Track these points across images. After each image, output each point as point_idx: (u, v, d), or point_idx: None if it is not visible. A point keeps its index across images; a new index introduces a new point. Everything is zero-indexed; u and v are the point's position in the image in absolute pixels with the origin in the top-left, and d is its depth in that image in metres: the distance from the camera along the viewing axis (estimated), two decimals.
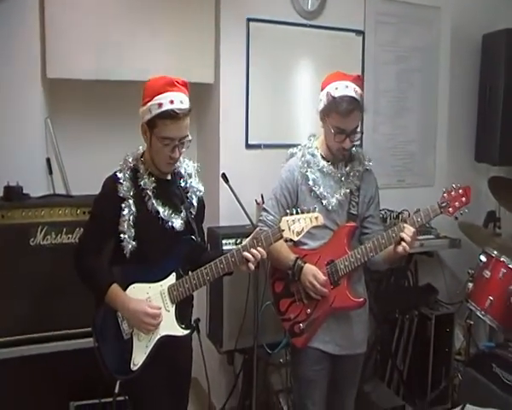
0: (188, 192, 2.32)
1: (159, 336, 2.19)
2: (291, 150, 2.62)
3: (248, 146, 3.49)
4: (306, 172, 2.48)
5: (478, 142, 4.11)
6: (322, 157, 2.52)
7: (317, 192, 2.47)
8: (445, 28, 4.06)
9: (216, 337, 3.16)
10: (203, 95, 3.64)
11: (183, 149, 2.23)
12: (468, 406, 1.59)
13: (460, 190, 2.38)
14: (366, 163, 2.58)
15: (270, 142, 3.50)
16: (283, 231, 2.15)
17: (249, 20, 3.41)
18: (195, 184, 2.34)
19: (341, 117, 2.36)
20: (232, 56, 3.41)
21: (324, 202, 2.46)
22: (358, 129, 2.46)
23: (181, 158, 2.27)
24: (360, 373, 2.71)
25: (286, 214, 2.17)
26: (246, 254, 2.14)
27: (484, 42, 4.02)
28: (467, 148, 4.18)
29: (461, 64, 4.16)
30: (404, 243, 2.30)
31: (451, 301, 3.92)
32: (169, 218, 2.21)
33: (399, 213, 3.67)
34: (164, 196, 2.23)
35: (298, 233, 2.15)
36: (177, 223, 2.22)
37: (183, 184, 2.32)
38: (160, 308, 2.17)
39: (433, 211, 2.37)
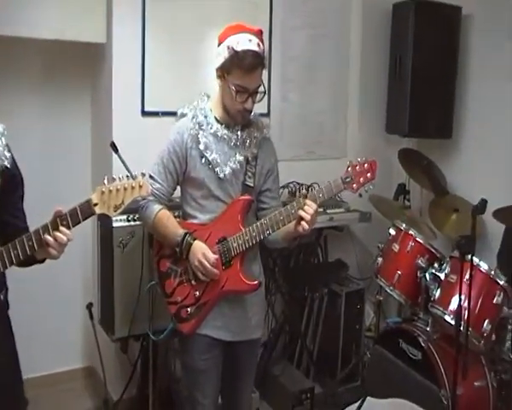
0: None
1: None
2: (181, 110, 2.33)
3: (145, 113, 3.22)
4: (198, 134, 2.21)
5: (388, 113, 3.99)
6: (216, 120, 2.26)
7: (209, 158, 2.20)
8: None
9: (108, 324, 2.87)
10: (95, 56, 3.35)
11: None
12: (368, 398, 1.43)
13: (365, 165, 2.16)
14: (265, 131, 2.34)
15: (169, 109, 3.17)
16: (96, 205, 1.70)
17: None
18: None
19: (244, 73, 2.11)
20: (126, 14, 3.13)
21: (216, 169, 2.21)
22: (261, 88, 2.21)
23: None
24: (257, 359, 2.50)
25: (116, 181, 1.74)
26: (46, 237, 1.69)
27: (394, 11, 3.88)
28: (378, 119, 4.05)
29: (372, 33, 4.04)
30: (303, 222, 2.09)
31: (362, 276, 3.85)
32: None
33: (309, 187, 3.51)
34: None
35: (116, 207, 1.72)
36: None
37: None
38: None
39: (336, 187, 2.15)
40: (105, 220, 2.79)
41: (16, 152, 1.87)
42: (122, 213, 2.74)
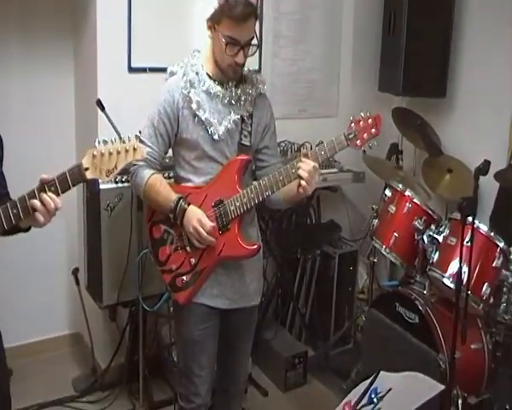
0: None
1: None
2: (171, 68, 2.18)
3: (131, 69, 3.06)
4: (189, 93, 2.07)
5: (382, 71, 3.87)
6: (209, 76, 2.12)
7: (202, 118, 2.07)
8: None
9: (95, 290, 2.78)
10: (78, 8, 3.18)
11: None
12: (381, 373, 1.36)
13: (369, 120, 2.03)
14: (260, 86, 2.20)
15: (157, 65, 3.03)
16: (87, 169, 1.59)
17: None
18: None
19: (235, 23, 1.97)
20: None
21: (210, 129, 2.08)
22: (254, 41, 2.07)
23: None
24: (255, 326, 2.41)
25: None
26: (32, 201, 1.58)
27: None
28: (371, 77, 3.94)
29: None
30: (302, 182, 1.97)
31: (355, 237, 3.79)
32: None
33: (301, 146, 3.41)
34: None
35: (108, 172, 1.61)
36: None
37: None
38: None
39: (339, 143, 2.03)
40: (91, 182, 2.67)
41: None
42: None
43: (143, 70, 3.05)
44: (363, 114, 2.04)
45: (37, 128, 3.25)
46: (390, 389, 1.36)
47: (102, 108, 2.46)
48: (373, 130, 2.03)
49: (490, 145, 3.48)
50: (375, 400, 1.34)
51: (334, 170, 3.47)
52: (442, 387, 1.42)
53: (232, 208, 2.06)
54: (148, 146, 2.10)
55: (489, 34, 3.56)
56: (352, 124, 2.03)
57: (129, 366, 3.02)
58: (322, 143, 2.08)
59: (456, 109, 3.83)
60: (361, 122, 2.03)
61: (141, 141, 2.09)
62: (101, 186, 2.63)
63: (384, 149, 3.86)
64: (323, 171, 3.36)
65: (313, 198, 3.65)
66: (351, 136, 2.02)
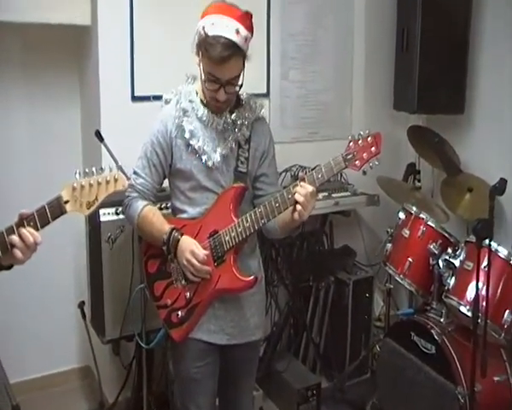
0: None
1: None
2: (165, 96, 2.15)
3: (135, 98, 3.05)
4: (182, 122, 2.02)
5: (396, 89, 3.82)
6: (203, 104, 2.05)
7: (195, 146, 2.01)
8: None
9: (98, 324, 2.73)
10: (80, 40, 3.20)
11: None
12: None
13: (369, 139, 1.93)
14: (258, 110, 2.13)
15: (161, 93, 2.99)
16: (67, 202, 1.57)
17: None
18: None
19: (213, 64, 1.90)
20: None
21: (204, 157, 2.01)
22: (238, 81, 1.98)
23: None
24: (257, 363, 2.32)
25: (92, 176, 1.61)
26: (11, 237, 1.54)
27: None
28: (385, 96, 3.88)
29: (377, 6, 3.86)
30: (298, 207, 1.88)
31: (370, 263, 3.70)
32: None
33: (313, 170, 3.32)
34: None
35: (89, 204, 1.57)
36: None
37: None
38: None
39: (337, 165, 1.93)
40: (92, 215, 2.61)
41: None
42: (109, 205, 2.63)
43: (147, 98, 3.02)
44: (362, 133, 1.94)
45: (45, 159, 3.25)
46: None
47: (101, 139, 2.45)
48: (373, 149, 1.92)
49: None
50: None
51: (347, 193, 3.40)
52: None
53: (227, 239, 1.98)
54: (142, 177, 2.07)
55: (505, 48, 3.47)
56: (351, 143, 1.93)
57: (136, 400, 2.94)
58: (319, 166, 1.99)
59: (475, 125, 3.75)
60: (360, 141, 1.92)
61: (134, 172, 2.09)
62: (102, 218, 2.58)
63: (400, 169, 3.81)
64: (335, 195, 3.32)
65: (326, 224, 3.59)
66: (349, 156, 1.92)
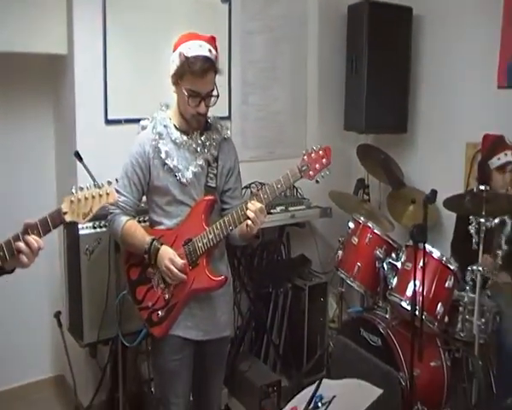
0: None
1: None
2: (142, 123, 2.40)
3: (108, 122, 3.25)
4: (158, 144, 2.29)
5: (346, 111, 4.12)
6: (176, 128, 2.33)
7: (171, 165, 2.28)
8: None
9: (76, 330, 2.90)
10: (57, 68, 3.37)
11: None
12: (324, 380, 1.54)
13: (320, 152, 2.20)
14: (224, 132, 2.42)
15: (132, 116, 3.23)
16: (65, 213, 1.79)
17: None
18: None
19: (195, 78, 2.19)
20: (87, 25, 3.15)
21: (178, 174, 2.28)
22: (214, 92, 2.29)
23: None
24: (226, 357, 2.58)
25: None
26: (17, 243, 1.75)
27: (349, 12, 4.00)
28: (336, 117, 4.17)
29: (329, 34, 4.15)
30: (249, 221, 2.17)
31: (325, 270, 3.95)
32: None
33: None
34: None
35: (85, 215, 1.81)
36: None
37: None
38: None
39: (293, 175, 2.21)
40: (71, 228, 2.83)
41: None
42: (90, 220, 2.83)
43: (119, 122, 3.24)
44: (314, 147, 2.23)
45: (20, 180, 3.41)
46: (334, 397, 1.53)
47: (80, 159, 2.62)
48: (324, 160, 2.21)
49: (450, 175, 3.73)
50: (319, 405, 1.50)
51: (303, 207, 3.65)
52: (380, 391, 1.59)
53: (200, 245, 2.25)
54: (124, 195, 2.30)
55: (444, 75, 3.85)
56: (305, 157, 2.21)
57: (111, 403, 3.11)
58: (277, 179, 2.24)
59: (417, 144, 4.11)
60: (312, 154, 2.21)
61: (116, 191, 2.31)
62: (81, 232, 2.77)
63: (351, 184, 4.10)
64: (291, 208, 3.57)
65: (283, 234, 3.82)
66: (304, 168, 2.20)
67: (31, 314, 3.48)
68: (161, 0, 3.35)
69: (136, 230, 2.28)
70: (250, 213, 2.16)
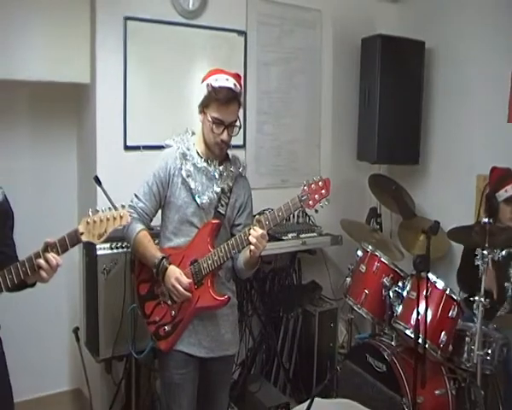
0: None
1: None
2: (167, 141, 2.55)
3: (127, 148, 3.39)
4: (181, 163, 2.44)
5: (359, 141, 4.21)
6: (198, 154, 2.48)
7: (190, 185, 2.42)
8: (327, 31, 4.16)
9: (93, 346, 3.03)
10: (80, 96, 3.54)
11: None
12: (316, 399, 1.62)
13: (320, 183, 2.32)
14: (241, 169, 2.56)
15: (149, 143, 3.40)
16: (82, 234, 1.93)
17: (127, 18, 3.32)
18: None
19: (220, 106, 2.34)
20: (109, 56, 3.31)
21: (196, 196, 2.42)
22: (237, 123, 2.43)
23: None
24: (231, 375, 2.68)
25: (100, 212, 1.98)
26: (38, 260, 1.90)
27: (363, 45, 4.13)
28: (349, 147, 4.26)
29: (343, 66, 4.26)
30: (251, 247, 2.29)
31: (335, 296, 4.01)
32: None
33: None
34: None
35: (100, 236, 1.95)
36: None
37: None
38: None
39: (294, 204, 2.33)
40: (90, 249, 2.98)
41: (7, 189, 2.10)
42: (105, 241, 2.97)
43: (137, 148, 3.39)
44: (314, 178, 2.35)
45: (45, 202, 3.54)
46: None
47: (99, 183, 2.74)
48: (323, 191, 2.32)
49: (461, 206, 3.79)
50: None
51: (314, 234, 3.72)
52: None
53: (205, 266, 2.38)
54: (142, 201, 2.47)
55: (456, 107, 3.94)
56: (305, 187, 2.34)
57: None
58: (272, 209, 2.37)
59: (429, 174, 4.19)
60: (313, 185, 2.33)
61: (136, 196, 2.48)
62: (99, 252, 2.91)
63: (364, 213, 4.15)
64: (303, 235, 3.65)
65: (295, 261, 3.91)
66: (304, 197, 2.32)
67: (51, 329, 3.61)
68: (180, 33, 3.51)
69: (149, 242, 2.42)
70: (252, 239, 2.28)
